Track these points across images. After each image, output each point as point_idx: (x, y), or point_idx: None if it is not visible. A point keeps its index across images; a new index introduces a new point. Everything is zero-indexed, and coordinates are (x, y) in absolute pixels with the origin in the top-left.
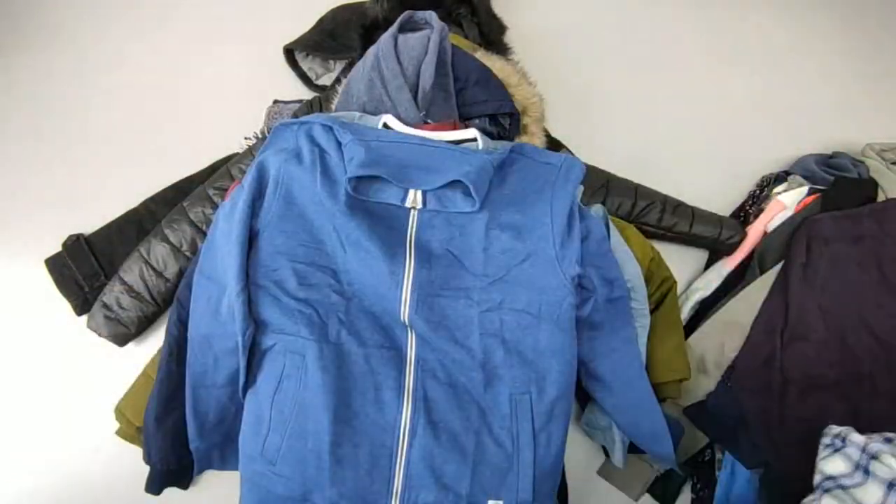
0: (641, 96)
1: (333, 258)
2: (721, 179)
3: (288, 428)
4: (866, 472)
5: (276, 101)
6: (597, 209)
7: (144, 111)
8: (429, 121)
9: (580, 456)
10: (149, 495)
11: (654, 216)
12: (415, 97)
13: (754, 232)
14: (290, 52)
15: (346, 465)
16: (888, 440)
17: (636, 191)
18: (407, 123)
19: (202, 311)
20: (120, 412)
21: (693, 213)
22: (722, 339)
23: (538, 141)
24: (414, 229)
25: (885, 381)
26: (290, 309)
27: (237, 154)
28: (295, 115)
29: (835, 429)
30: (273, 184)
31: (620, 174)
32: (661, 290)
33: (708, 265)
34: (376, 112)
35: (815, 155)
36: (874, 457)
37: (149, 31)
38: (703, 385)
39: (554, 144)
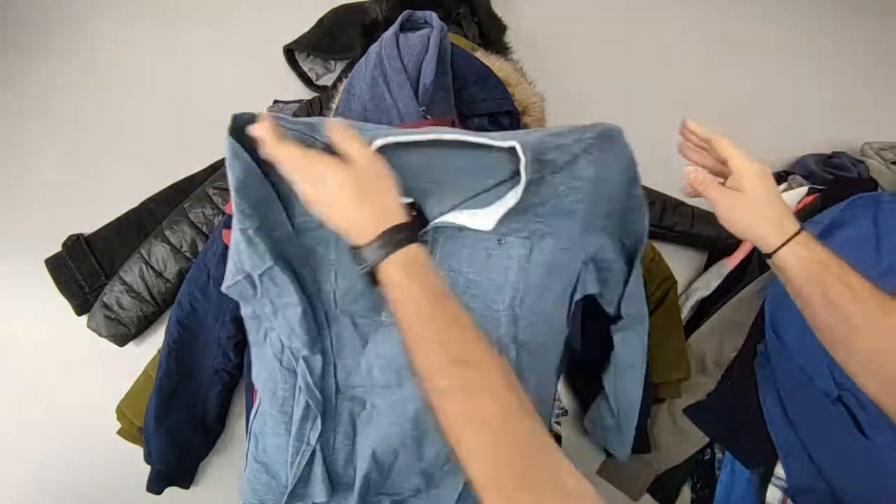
0: (641, 96)
1: None
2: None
3: None
4: None
5: (276, 101)
6: None
7: (144, 111)
8: (428, 116)
9: (580, 456)
10: (150, 495)
11: (654, 216)
12: (415, 93)
13: None
14: (290, 52)
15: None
16: None
17: None
18: (408, 118)
19: None
20: (121, 412)
21: (693, 213)
22: (722, 339)
23: None
24: None
25: None
26: None
27: None
28: (295, 115)
29: None
30: None
31: None
32: (661, 289)
33: (708, 265)
34: (378, 109)
35: (815, 155)
36: None
37: (148, 31)
38: (703, 385)
39: None
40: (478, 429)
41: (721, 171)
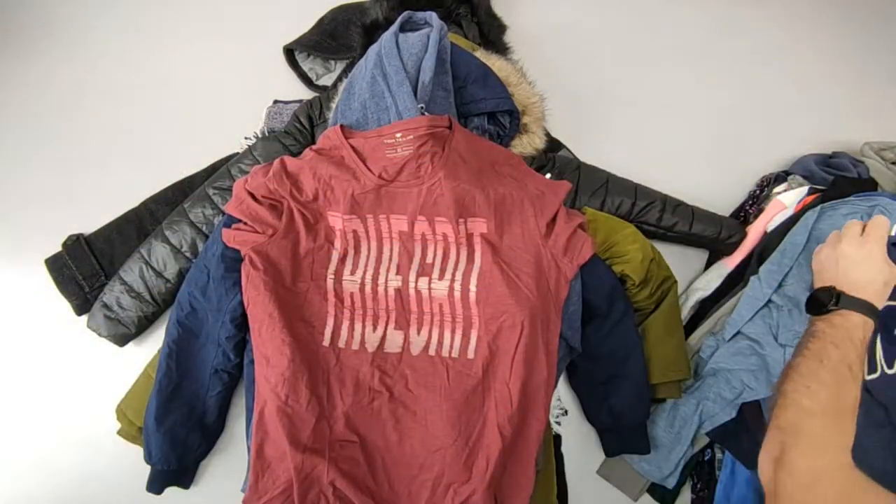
0: (641, 96)
1: None
2: (721, 179)
3: None
4: None
5: (276, 101)
6: None
7: (145, 111)
8: (425, 113)
9: (580, 456)
10: (150, 495)
11: (654, 216)
12: (414, 91)
13: (754, 232)
14: (290, 52)
15: None
16: None
17: (636, 190)
18: (406, 116)
19: None
20: (121, 412)
21: (693, 213)
22: None
23: (538, 140)
24: None
25: None
26: None
27: (237, 154)
28: (295, 115)
29: None
30: None
31: (620, 174)
32: (661, 290)
33: (708, 265)
34: (378, 108)
35: (814, 155)
36: None
37: (149, 30)
38: None
39: (554, 144)
40: None
41: None
